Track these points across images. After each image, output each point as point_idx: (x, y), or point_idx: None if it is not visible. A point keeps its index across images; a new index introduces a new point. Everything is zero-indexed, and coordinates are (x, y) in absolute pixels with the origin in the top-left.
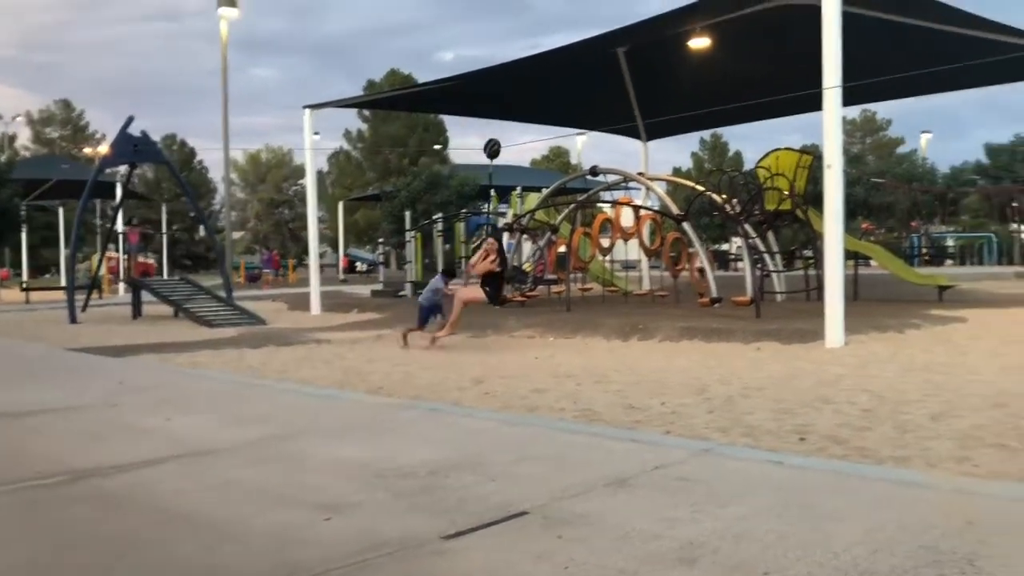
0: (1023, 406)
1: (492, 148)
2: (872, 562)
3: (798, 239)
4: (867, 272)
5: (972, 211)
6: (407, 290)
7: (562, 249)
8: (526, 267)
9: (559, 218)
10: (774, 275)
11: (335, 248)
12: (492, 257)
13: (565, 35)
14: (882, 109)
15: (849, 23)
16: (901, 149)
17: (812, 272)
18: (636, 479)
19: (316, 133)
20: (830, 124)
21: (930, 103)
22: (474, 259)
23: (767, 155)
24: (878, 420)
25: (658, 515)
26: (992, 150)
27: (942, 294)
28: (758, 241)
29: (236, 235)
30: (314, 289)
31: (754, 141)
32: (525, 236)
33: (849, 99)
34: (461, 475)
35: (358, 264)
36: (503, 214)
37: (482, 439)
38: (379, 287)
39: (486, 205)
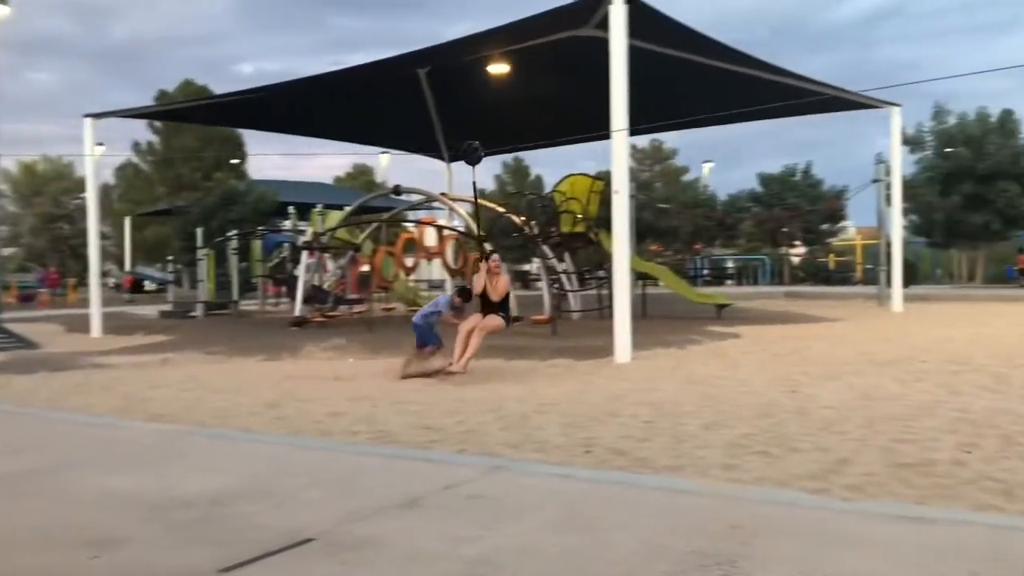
0: (786, 416)
1: (474, 153)
2: (646, 569)
3: (592, 260)
4: (655, 291)
5: (748, 235)
6: (198, 311)
7: (365, 268)
8: (326, 286)
9: (362, 237)
10: (570, 294)
11: (122, 266)
12: (503, 279)
13: (369, 53)
14: (669, 139)
15: (638, 59)
16: (686, 177)
17: (605, 291)
18: (426, 499)
19: (100, 144)
20: (618, 155)
21: (712, 135)
22: (478, 282)
23: (563, 180)
24: (657, 431)
25: (447, 535)
26: (765, 179)
27: (720, 312)
28: (555, 261)
29: (7, 251)
30: (95, 310)
31: (555, 165)
32: (326, 255)
33: (638, 130)
34: (245, 504)
35: (146, 283)
36: (303, 232)
37: (270, 465)
38: (168, 308)
39: (285, 222)
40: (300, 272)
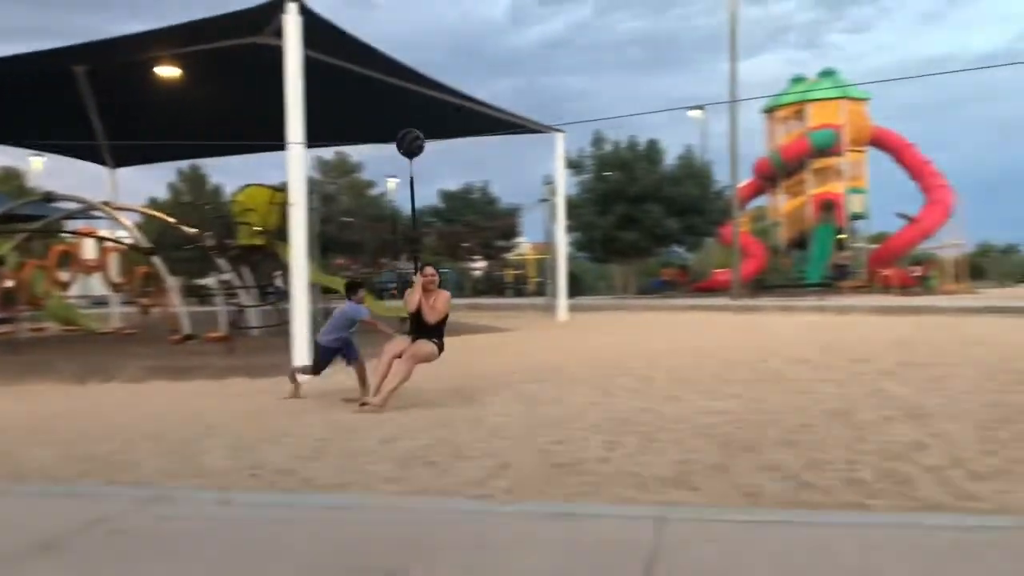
0: (461, 425)
1: (414, 142)
2: None
3: (274, 273)
4: (340, 305)
5: (432, 249)
6: None
7: (9, 283)
8: None
9: (6, 248)
10: (250, 310)
11: None
12: (442, 296)
13: (27, 44)
14: (355, 152)
15: (319, 71)
16: (373, 191)
17: (287, 306)
18: (67, 540)
19: None
20: (294, 166)
21: (396, 150)
22: (413, 298)
23: (241, 190)
24: (330, 449)
25: None
26: (446, 196)
27: (403, 324)
28: (234, 275)
29: None
30: None
31: (238, 175)
32: None
33: (317, 141)
34: None
35: None
36: None
37: None
38: None
39: None
40: None
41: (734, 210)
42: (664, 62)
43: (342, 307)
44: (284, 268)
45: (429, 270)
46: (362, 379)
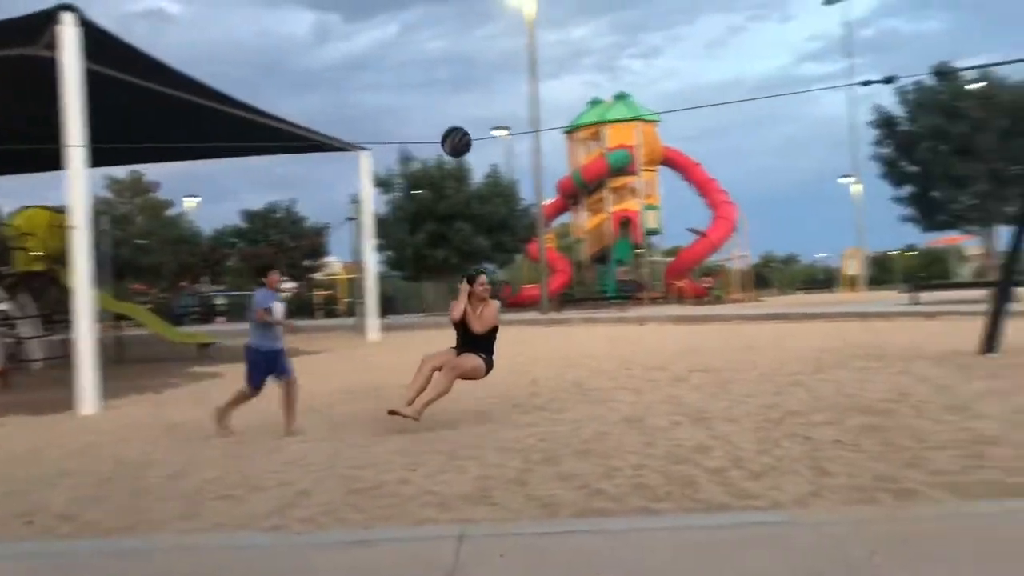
0: (255, 454)
1: (460, 142)
2: None
3: (60, 301)
4: (135, 333)
5: (235, 271)
6: None
7: None
8: None
9: None
10: (32, 341)
11: None
12: (491, 307)
13: None
14: (151, 171)
15: (103, 86)
16: (171, 211)
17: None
18: None
19: None
20: (76, 187)
21: (197, 169)
22: (458, 308)
23: (18, 212)
24: (115, 488)
25: None
26: (248, 215)
27: (204, 351)
28: (11, 305)
29: None
30: None
31: (17, 196)
32: None
33: (104, 161)
34: None
35: None
36: None
37: None
38: None
39: None
40: None
41: (540, 227)
42: (469, 81)
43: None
44: (68, 295)
45: (483, 278)
46: (288, 403)
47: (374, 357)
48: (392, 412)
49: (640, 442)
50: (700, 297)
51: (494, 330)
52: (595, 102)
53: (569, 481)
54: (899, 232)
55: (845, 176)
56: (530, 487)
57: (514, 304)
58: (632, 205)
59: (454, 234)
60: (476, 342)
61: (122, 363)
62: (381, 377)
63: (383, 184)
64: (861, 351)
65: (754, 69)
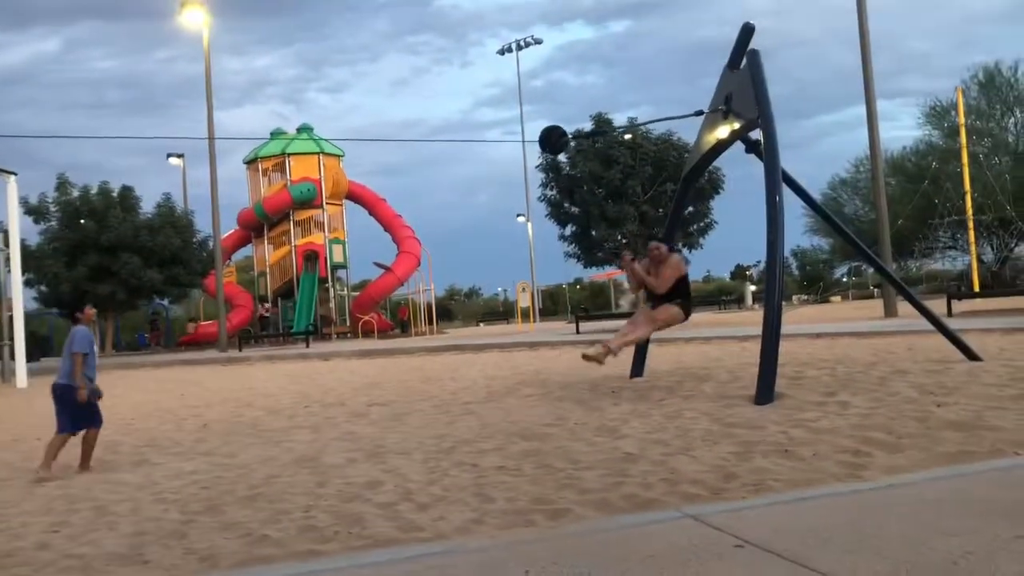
0: None
1: (559, 140)
2: None
3: None
4: None
5: None
6: None
7: None
8: None
9: None
10: None
11: None
12: (672, 261)
13: None
14: None
15: None
16: None
17: None
18: None
19: None
20: None
21: None
22: (635, 284)
23: None
24: None
25: None
26: None
27: None
28: None
29: None
30: None
31: None
32: None
33: None
34: None
35: None
36: None
37: None
38: None
39: None
40: None
41: (218, 260)
42: (146, 105)
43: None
44: None
45: (654, 243)
46: (85, 453)
47: (19, 406)
48: (586, 357)
49: (312, 482)
50: (386, 331)
51: (680, 281)
52: (277, 132)
53: (232, 530)
54: (566, 267)
55: (520, 215)
56: (189, 540)
57: (188, 342)
58: (317, 238)
59: (120, 267)
60: (668, 296)
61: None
62: (26, 429)
63: (36, 212)
64: (528, 378)
65: (437, 110)
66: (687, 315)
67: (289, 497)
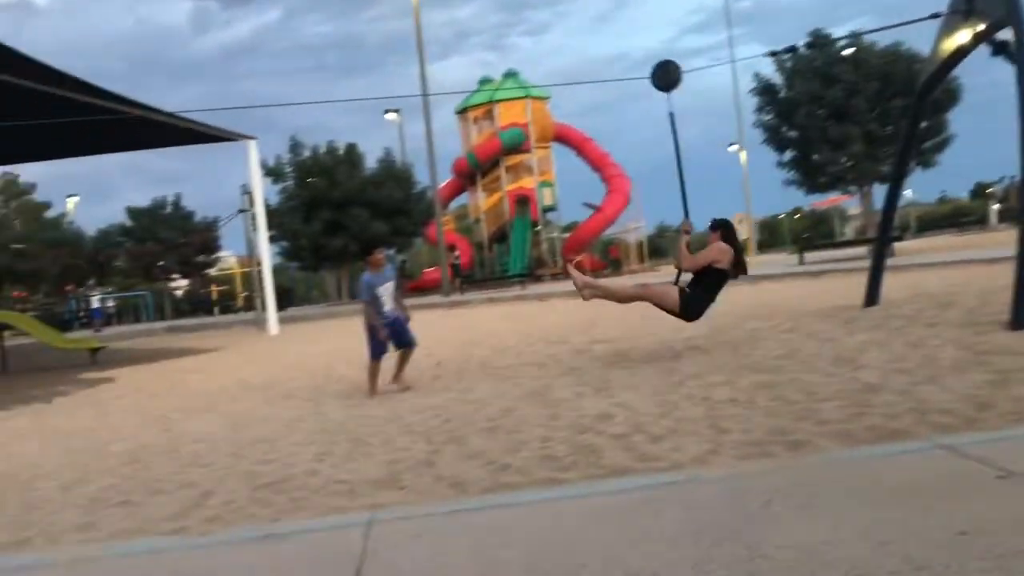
0: (155, 458)
1: (672, 75)
2: None
3: None
4: (18, 342)
5: (123, 272)
6: None
7: None
8: None
9: None
10: None
11: None
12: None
13: None
14: (25, 172)
15: None
16: (49, 213)
17: None
18: None
19: None
20: None
21: (76, 167)
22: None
23: None
24: (5, 503)
25: None
26: (134, 212)
27: (94, 356)
28: None
29: None
30: None
31: None
32: None
33: None
34: None
35: None
36: None
37: None
38: None
39: None
40: None
41: (437, 209)
42: (359, 65)
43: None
44: None
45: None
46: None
47: (274, 351)
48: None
49: (545, 415)
50: (598, 271)
51: (709, 271)
52: (485, 81)
53: (476, 459)
54: (785, 196)
55: (732, 144)
56: (438, 468)
57: (414, 289)
58: (527, 183)
59: (350, 221)
60: (696, 281)
61: (6, 374)
62: (280, 371)
63: (274, 173)
64: (752, 312)
65: (639, 42)
66: (682, 311)
67: (526, 429)
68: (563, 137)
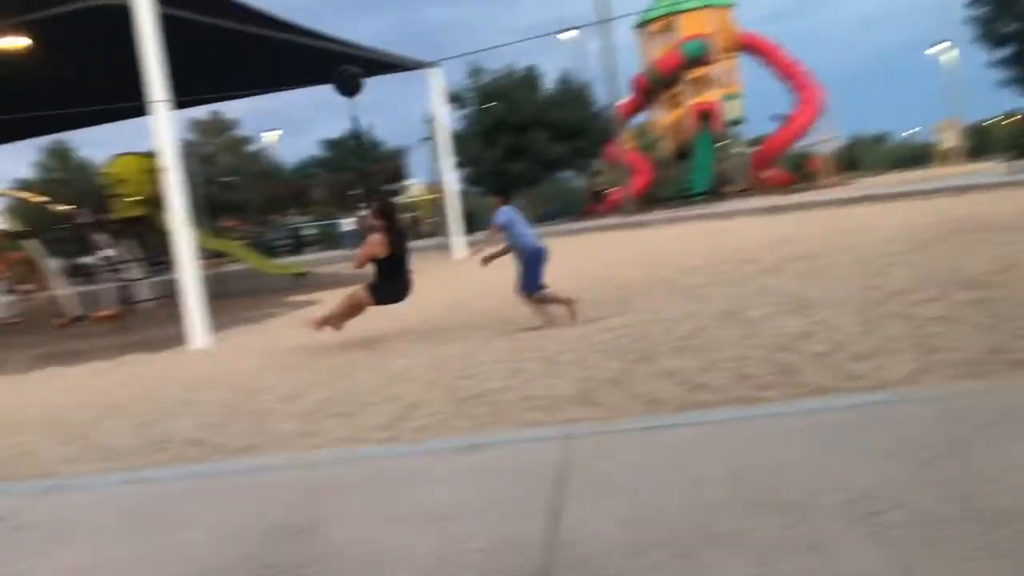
0: (361, 374)
1: (352, 81)
2: (222, 557)
3: (160, 244)
4: (233, 269)
5: (320, 201)
6: None
7: None
8: None
9: None
10: (139, 283)
11: None
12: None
13: None
14: (230, 109)
15: (174, 27)
16: (251, 147)
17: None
18: None
19: None
20: (162, 130)
21: (273, 103)
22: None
23: (112, 161)
24: (236, 414)
25: None
26: (328, 144)
27: (299, 281)
28: (118, 250)
29: None
30: None
31: (105, 145)
32: None
33: (187, 102)
34: None
35: None
36: None
37: None
38: None
39: None
40: None
41: (617, 128)
42: None
43: None
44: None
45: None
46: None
47: (463, 274)
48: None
49: (739, 334)
50: (788, 185)
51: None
52: None
53: (669, 377)
54: (997, 99)
55: (936, 44)
56: (631, 386)
57: (594, 210)
58: (711, 96)
59: (531, 144)
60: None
61: (224, 298)
62: (472, 292)
63: (455, 100)
64: (961, 225)
65: None
66: (376, 300)
67: (719, 348)
68: (749, 46)
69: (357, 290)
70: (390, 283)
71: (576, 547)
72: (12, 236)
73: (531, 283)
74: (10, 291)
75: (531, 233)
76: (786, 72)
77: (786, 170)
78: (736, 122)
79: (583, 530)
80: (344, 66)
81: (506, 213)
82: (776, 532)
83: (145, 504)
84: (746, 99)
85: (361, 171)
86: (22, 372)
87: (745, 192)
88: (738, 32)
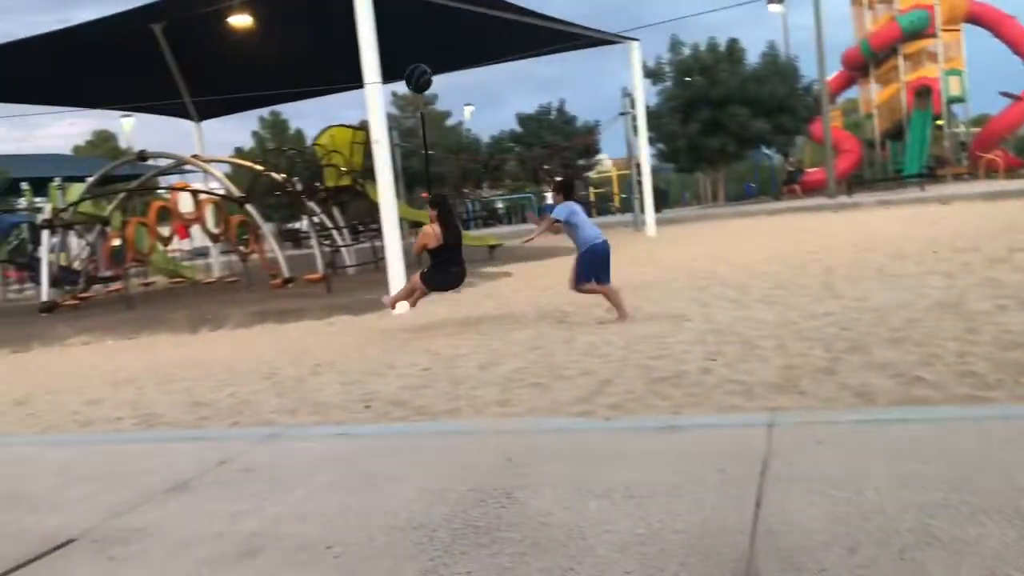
0: (554, 346)
1: (421, 78)
2: (427, 515)
3: (363, 212)
4: None
5: (512, 175)
6: None
7: (116, 242)
8: (76, 265)
9: (109, 208)
10: (343, 249)
11: None
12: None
13: (99, 8)
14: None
15: (386, 5)
16: (449, 122)
17: (379, 243)
18: (198, 480)
19: None
20: (373, 105)
21: (469, 77)
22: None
23: (323, 132)
24: (435, 378)
25: (221, 513)
26: (522, 119)
27: (492, 252)
28: (324, 217)
29: None
30: None
31: (317, 118)
32: (71, 231)
33: (391, 76)
34: None
35: None
36: (41, 209)
37: (20, 468)
38: None
39: (19, 200)
40: (43, 253)
41: (824, 105)
42: None
43: None
44: (373, 206)
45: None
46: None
47: (654, 252)
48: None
49: (959, 328)
50: (1016, 169)
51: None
52: None
53: (882, 369)
54: None
55: None
56: (840, 376)
57: (791, 191)
58: (930, 71)
59: (730, 119)
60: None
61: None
62: (663, 271)
63: (653, 74)
64: None
65: None
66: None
67: (938, 342)
68: (977, 16)
69: (415, 275)
70: (440, 271)
71: (779, 537)
72: (232, 201)
73: (583, 276)
74: (229, 251)
75: (592, 228)
76: (1018, 45)
77: (1012, 153)
78: (957, 100)
79: (787, 521)
80: (416, 64)
81: (567, 207)
82: (1007, 543)
83: (354, 457)
84: (969, 75)
85: (553, 145)
86: (243, 327)
87: (964, 175)
88: (965, 2)
